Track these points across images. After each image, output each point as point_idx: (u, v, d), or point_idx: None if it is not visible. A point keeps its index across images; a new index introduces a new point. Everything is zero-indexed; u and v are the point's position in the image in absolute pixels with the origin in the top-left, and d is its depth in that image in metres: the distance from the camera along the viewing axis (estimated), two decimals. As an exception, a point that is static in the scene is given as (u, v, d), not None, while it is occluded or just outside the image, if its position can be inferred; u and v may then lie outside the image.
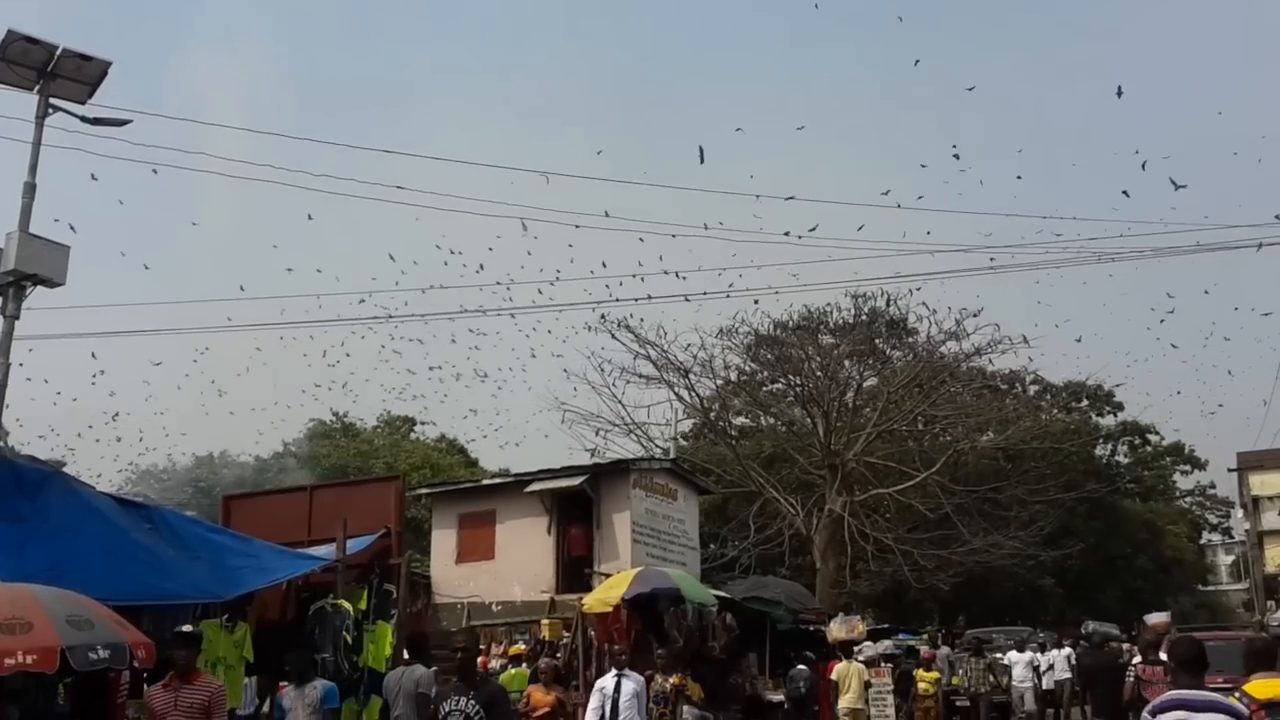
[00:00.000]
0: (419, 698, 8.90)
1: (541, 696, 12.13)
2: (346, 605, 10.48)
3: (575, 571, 20.30)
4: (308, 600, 10.95)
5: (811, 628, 21.05)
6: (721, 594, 18.88)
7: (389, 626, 10.90)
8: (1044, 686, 21.16)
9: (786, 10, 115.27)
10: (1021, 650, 21.21)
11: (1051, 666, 21.50)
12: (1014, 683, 20.37)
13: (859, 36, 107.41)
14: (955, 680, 20.54)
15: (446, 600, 20.79)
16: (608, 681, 10.80)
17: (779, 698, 18.28)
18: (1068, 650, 21.77)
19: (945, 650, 22.45)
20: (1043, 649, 21.97)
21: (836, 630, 22.36)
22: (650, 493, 21.35)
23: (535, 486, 20.70)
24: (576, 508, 20.81)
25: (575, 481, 20.49)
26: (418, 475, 36.79)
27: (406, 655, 10.09)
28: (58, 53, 13.78)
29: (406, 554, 12.16)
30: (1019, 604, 40.89)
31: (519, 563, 20.51)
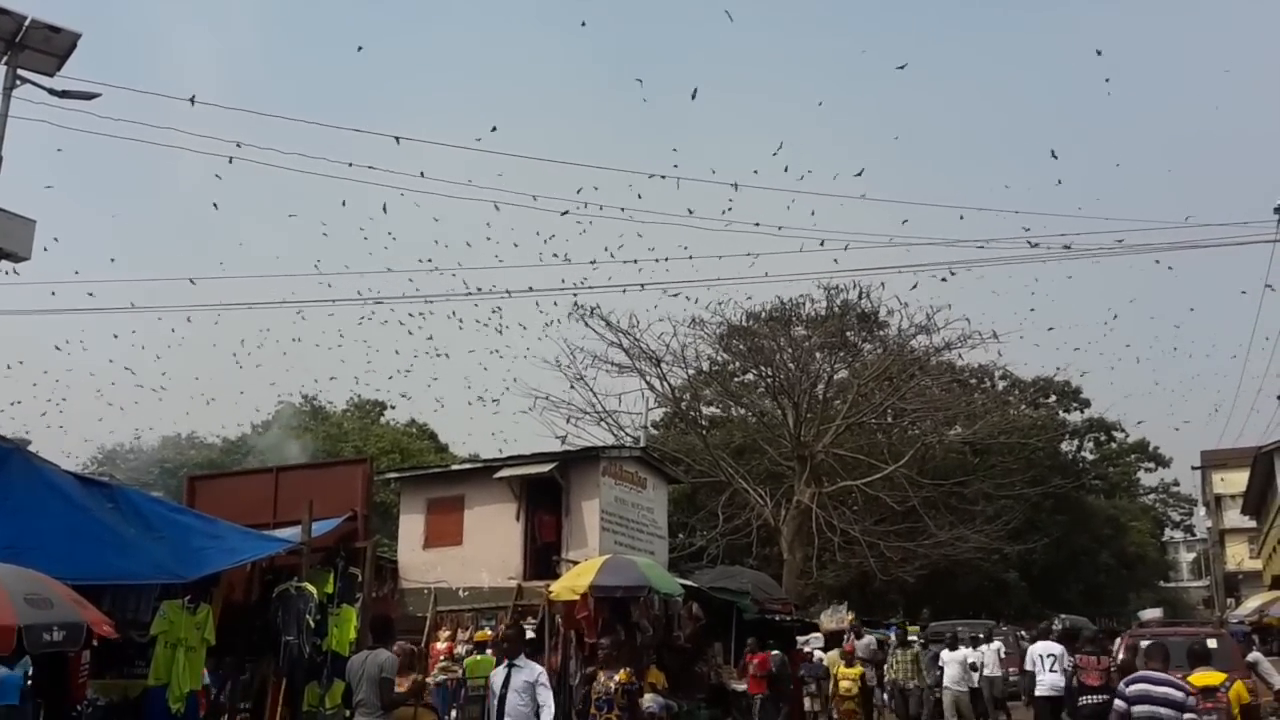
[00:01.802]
0: (382, 682, 8.85)
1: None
2: (311, 588, 10.40)
3: (543, 558, 20.27)
4: (272, 583, 10.86)
5: (777, 618, 21.14)
6: (689, 583, 18.91)
7: (354, 610, 10.85)
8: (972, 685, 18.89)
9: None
10: (954, 648, 18.38)
11: (981, 664, 19.43)
12: (945, 685, 17.90)
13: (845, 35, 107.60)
14: (891, 673, 18.62)
15: (413, 585, 20.71)
16: (498, 674, 9.02)
17: (743, 686, 18.36)
18: (998, 645, 20.75)
19: (867, 640, 20.37)
20: (973, 644, 19.79)
21: (826, 622, 22.68)
22: (620, 481, 21.34)
23: (504, 472, 20.64)
24: (546, 494, 20.77)
25: (545, 468, 20.44)
26: (387, 459, 36.69)
27: (371, 639, 10.02)
28: (26, 23, 13.60)
29: (373, 538, 12.09)
30: (983, 597, 41.28)
31: (487, 549, 20.46)
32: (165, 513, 9.87)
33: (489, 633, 17.80)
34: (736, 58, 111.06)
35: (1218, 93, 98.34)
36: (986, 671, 19.60)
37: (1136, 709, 8.24)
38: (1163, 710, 8.10)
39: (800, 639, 20.68)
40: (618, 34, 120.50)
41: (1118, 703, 8.55)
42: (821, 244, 34.73)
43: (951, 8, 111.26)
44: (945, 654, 18.34)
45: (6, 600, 6.47)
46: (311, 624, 10.24)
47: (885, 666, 18.45)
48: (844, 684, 17.38)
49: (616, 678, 10.70)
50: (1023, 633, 25.51)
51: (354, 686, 9.16)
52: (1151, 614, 31.62)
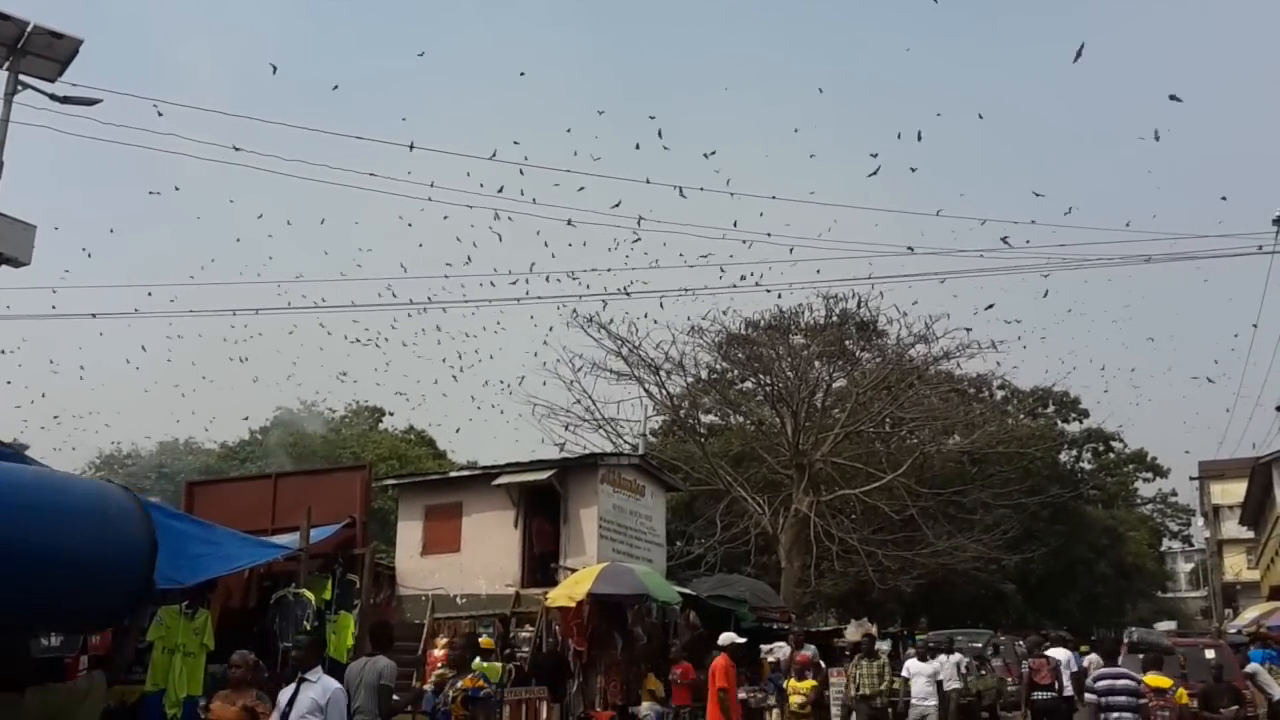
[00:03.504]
0: (380, 689, 8.83)
1: (221, 709, 8.07)
2: (309, 594, 10.42)
3: (541, 565, 20.24)
4: (270, 589, 10.87)
5: (775, 626, 21.13)
6: (686, 591, 18.91)
7: (351, 617, 10.84)
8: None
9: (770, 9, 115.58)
10: (924, 659, 16.92)
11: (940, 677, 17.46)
12: (913, 700, 16.27)
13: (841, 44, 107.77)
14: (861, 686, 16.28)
15: (411, 592, 20.65)
16: (285, 691, 7.79)
17: (742, 696, 18.29)
18: (957, 657, 19.40)
19: (812, 649, 18.52)
20: (931, 655, 17.83)
21: (851, 633, 22.48)
22: (618, 488, 21.33)
23: (503, 479, 20.61)
24: (544, 502, 20.74)
25: (543, 475, 20.41)
26: (385, 466, 36.67)
27: (369, 646, 10.02)
28: (28, 29, 13.63)
29: (371, 544, 12.07)
30: (980, 607, 41.23)
31: (485, 556, 20.43)
32: (163, 518, 9.84)
33: (489, 640, 17.78)
34: (743, 60, 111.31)
35: (1216, 101, 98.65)
36: (945, 686, 17.99)
37: (1105, 699, 10.54)
38: (1124, 699, 10.47)
39: (764, 648, 19.94)
40: (623, 35, 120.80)
41: (1089, 695, 10.97)
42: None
43: (950, 14, 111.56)
44: (912, 664, 16.85)
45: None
46: (309, 630, 10.24)
47: (848, 678, 16.65)
48: (794, 699, 15.51)
49: (460, 684, 9.22)
50: (1020, 642, 25.47)
51: (352, 694, 9.14)
52: (1165, 626, 32.76)
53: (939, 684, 16.84)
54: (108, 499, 3.10)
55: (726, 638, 13.98)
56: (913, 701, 16.23)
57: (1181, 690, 13.09)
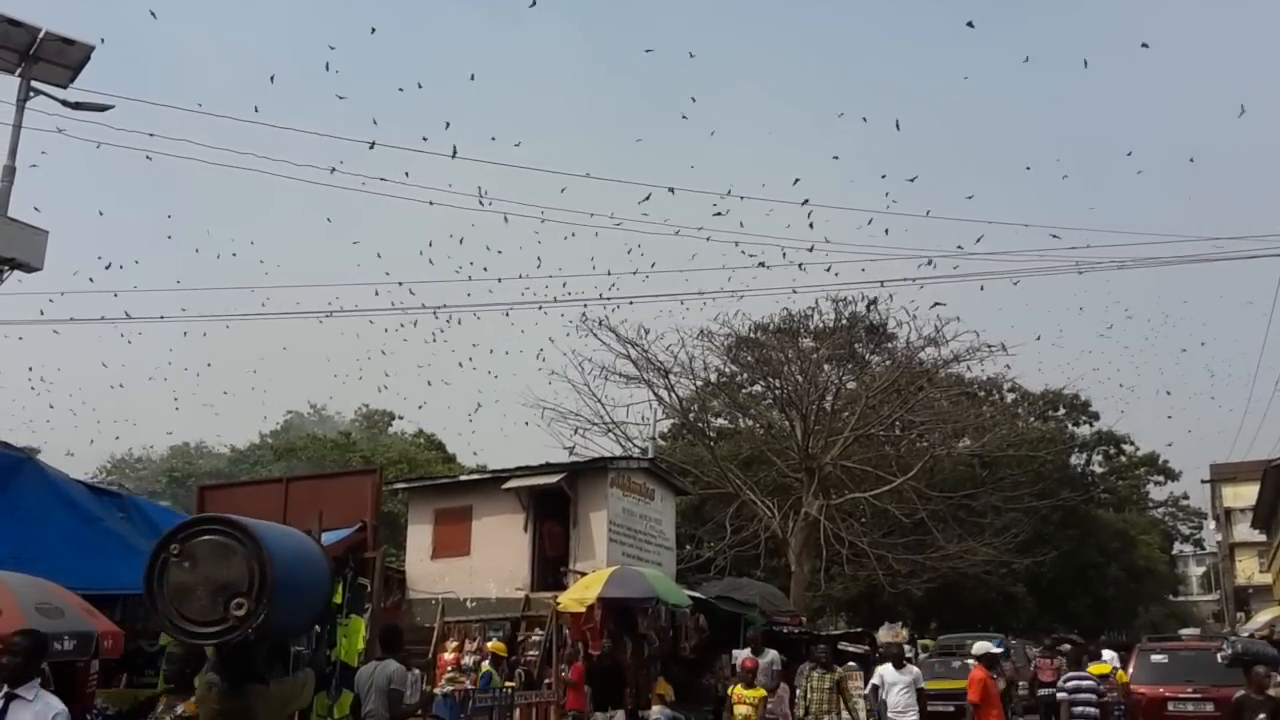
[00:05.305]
0: (391, 693, 8.86)
1: None
2: (320, 598, 10.41)
3: (551, 569, 20.25)
4: (281, 592, 10.87)
5: (784, 629, 21.11)
6: (696, 594, 18.90)
7: (362, 621, 10.83)
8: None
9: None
10: (899, 666, 14.39)
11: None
12: (890, 713, 13.99)
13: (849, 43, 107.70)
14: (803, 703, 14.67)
15: (421, 596, 20.70)
16: None
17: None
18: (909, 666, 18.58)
19: (771, 656, 16.79)
20: (905, 662, 15.35)
21: (884, 636, 22.42)
22: (628, 492, 21.32)
23: (513, 483, 20.62)
24: (553, 505, 20.75)
25: (553, 479, 20.41)
26: (395, 470, 36.75)
27: (379, 650, 10.03)
28: (40, 35, 13.71)
29: (381, 548, 12.08)
30: (991, 610, 41.16)
31: (494, 559, 20.44)
32: (175, 522, 9.89)
33: (499, 643, 17.81)
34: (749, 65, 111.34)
35: (1225, 106, 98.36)
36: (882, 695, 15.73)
37: (1072, 696, 12.93)
38: (1089, 695, 12.90)
39: (737, 654, 19.09)
40: (633, 39, 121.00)
41: (1059, 694, 13.38)
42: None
43: (952, 16, 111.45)
44: (888, 673, 14.40)
45: (17, 609, 6.51)
46: (321, 634, 10.25)
47: (797, 694, 14.78)
48: (740, 709, 13.89)
49: (179, 709, 7.99)
50: (1030, 646, 25.43)
51: (362, 697, 9.17)
52: (1189, 632, 33.57)
53: (919, 693, 14.46)
54: (309, 544, 4.60)
55: (980, 647, 14.27)
56: (890, 715, 14.03)
57: (1121, 672, 16.13)
